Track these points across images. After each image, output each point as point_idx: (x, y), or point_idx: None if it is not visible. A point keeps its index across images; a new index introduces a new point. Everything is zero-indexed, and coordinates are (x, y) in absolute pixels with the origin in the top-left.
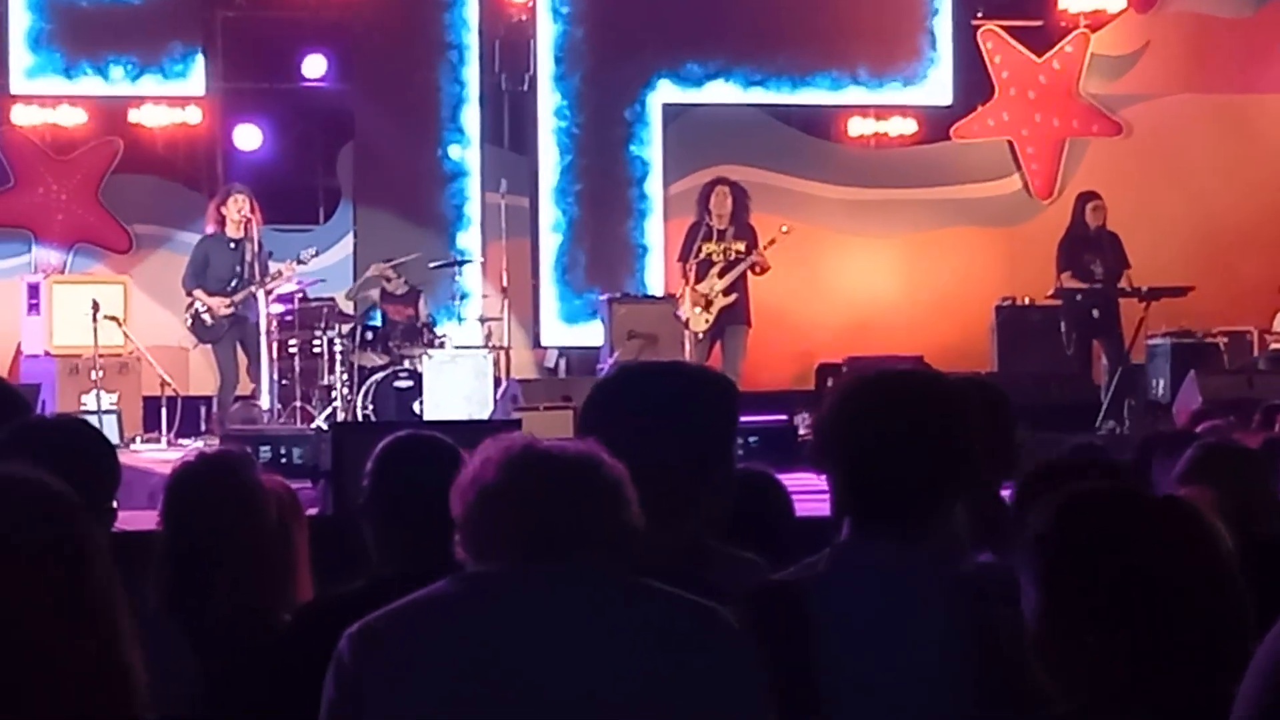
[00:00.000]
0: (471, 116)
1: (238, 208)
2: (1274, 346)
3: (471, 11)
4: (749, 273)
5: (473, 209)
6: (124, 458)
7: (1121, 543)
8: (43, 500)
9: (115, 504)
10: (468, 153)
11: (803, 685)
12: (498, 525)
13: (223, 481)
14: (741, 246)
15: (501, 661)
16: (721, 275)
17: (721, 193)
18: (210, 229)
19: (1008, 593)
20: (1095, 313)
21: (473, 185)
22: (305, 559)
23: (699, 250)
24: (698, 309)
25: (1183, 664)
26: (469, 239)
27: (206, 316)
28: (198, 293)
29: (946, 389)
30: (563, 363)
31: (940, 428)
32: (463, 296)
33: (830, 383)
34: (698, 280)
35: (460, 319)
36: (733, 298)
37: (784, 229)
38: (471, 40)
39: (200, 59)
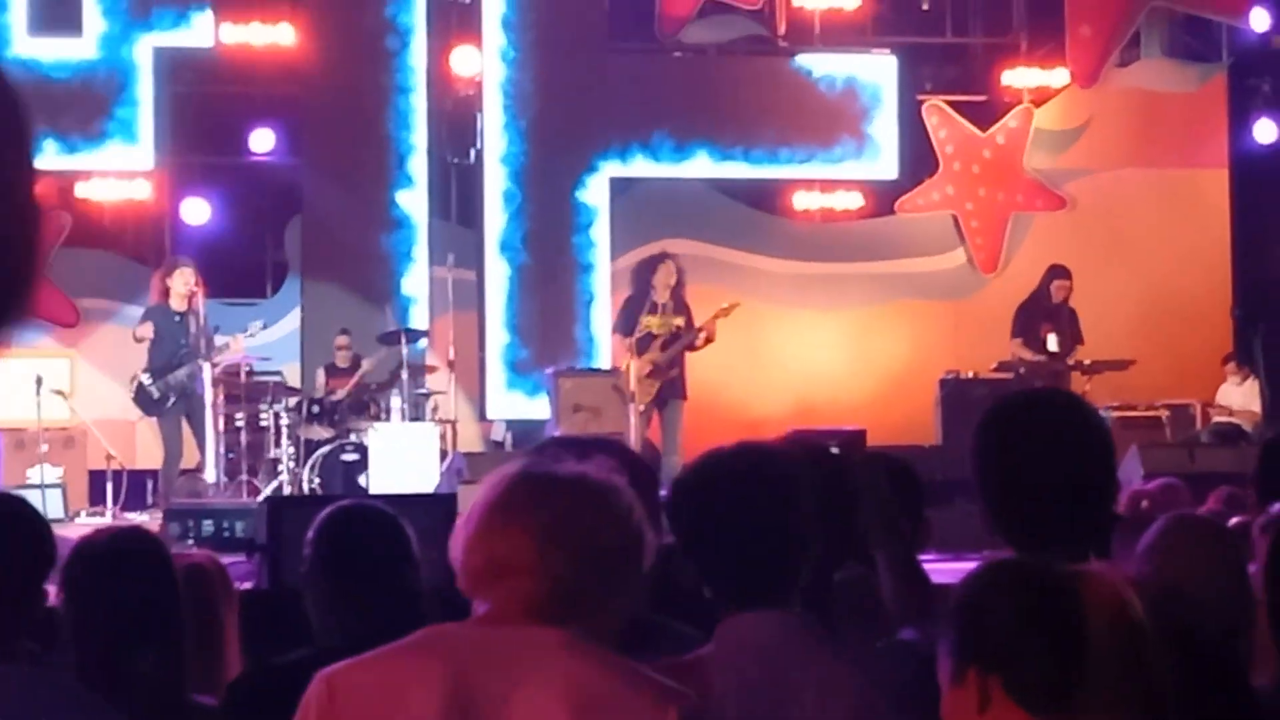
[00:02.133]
0: (418, 191)
1: (183, 280)
2: (1216, 419)
3: (419, 86)
4: (687, 347)
5: (419, 283)
6: (68, 531)
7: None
8: None
9: (46, 586)
10: (415, 228)
11: None
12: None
13: (125, 557)
14: (680, 321)
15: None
16: (664, 349)
17: (668, 268)
18: (154, 300)
19: (912, 665)
20: (1040, 385)
21: (419, 258)
22: (234, 634)
23: (639, 324)
24: (642, 383)
25: None
26: (417, 312)
27: (152, 389)
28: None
29: (775, 462)
30: (509, 436)
31: (768, 505)
32: (409, 370)
33: None
34: (639, 354)
35: (406, 392)
36: (674, 372)
37: (726, 305)
38: (418, 115)
39: (148, 133)
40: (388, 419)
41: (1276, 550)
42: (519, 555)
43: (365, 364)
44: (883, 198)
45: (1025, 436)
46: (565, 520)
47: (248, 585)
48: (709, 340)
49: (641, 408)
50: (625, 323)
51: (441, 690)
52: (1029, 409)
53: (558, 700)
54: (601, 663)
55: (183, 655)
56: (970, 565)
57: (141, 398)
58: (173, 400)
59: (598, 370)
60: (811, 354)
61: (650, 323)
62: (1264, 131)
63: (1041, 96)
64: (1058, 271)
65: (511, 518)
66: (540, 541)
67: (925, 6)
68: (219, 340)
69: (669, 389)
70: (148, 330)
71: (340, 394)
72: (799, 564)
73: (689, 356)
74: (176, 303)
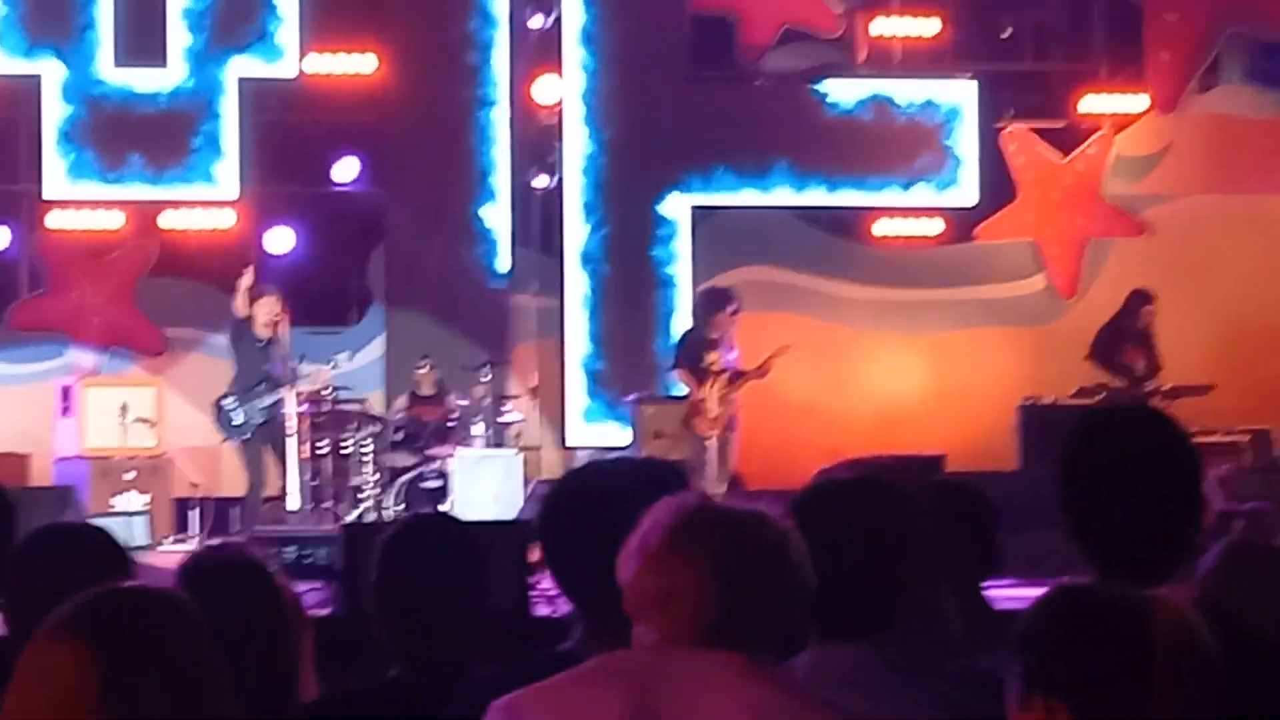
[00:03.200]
0: (501, 207)
1: (267, 309)
2: None
3: (501, 114)
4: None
5: (502, 312)
6: (153, 559)
7: (1101, 633)
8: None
9: None
10: (498, 256)
11: None
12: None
13: (236, 575)
14: (734, 355)
15: None
16: (731, 383)
17: (721, 312)
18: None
19: (983, 693)
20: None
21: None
22: (309, 662)
23: (700, 356)
24: (713, 414)
25: None
26: (500, 340)
27: (233, 414)
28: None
29: (888, 492)
30: None
31: (883, 530)
32: (494, 398)
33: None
34: (700, 385)
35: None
36: (732, 407)
37: (781, 346)
38: (500, 136)
39: (233, 163)
40: (470, 446)
41: None
42: (693, 583)
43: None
44: (962, 224)
45: (1112, 453)
46: (741, 554)
47: (326, 611)
48: (763, 376)
49: (712, 438)
50: (690, 356)
51: (622, 715)
52: (1117, 426)
53: (739, 716)
54: (775, 683)
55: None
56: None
57: (222, 420)
58: (255, 426)
59: (677, 398)
60: (892, 379)
61: (712, 358)
62: None
63: (1121, 123)
64: (1142, 296)
65: (690, 547)
66: (716, 573)
67: (1005, 34)
68: (304, 369)
69: (729, 423)
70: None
71: (425, 421)
72: (897, 596)
73: (769, 380)
74: (260, 330)
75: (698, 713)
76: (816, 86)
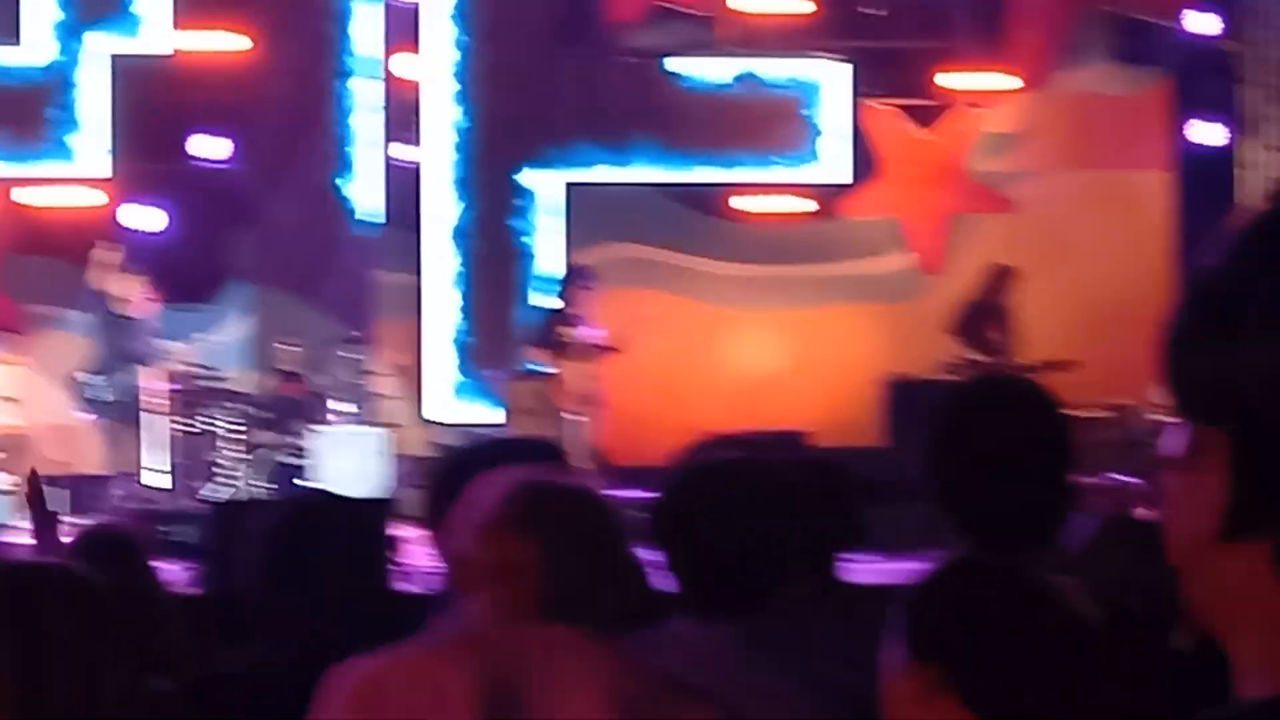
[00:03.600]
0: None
1: (129, 287)
2: (1153, 418)
3: (363, 86)
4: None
5: (369, 288)
6: (16, 538)
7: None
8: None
9: None
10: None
11: None
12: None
13: (116, 558)
14: (591, 331)
15: None
16: (587, 357)
17: (578, 289)
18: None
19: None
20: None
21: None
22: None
23: (557, 333)
24: (576, 389)
25: None
26: (367, 317)
27: (97, 391)
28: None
29: (771, 474)
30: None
31: (769, 509)
32: (360, 375)
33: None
34: (557, 361)
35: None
36: (597, 380)
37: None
38: (362, 115)
39: (104, 141)
40: (336, 423)
41: None
42: (529, 558)
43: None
44: (827, 200)
45: (986, 424)
46: (576, 529)
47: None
48: (618, 350)
49: (578, 413)
50: (545, 334)
51: (481, 688)
52: (991, 397)
53: (599, 694)
54: (618, 658)
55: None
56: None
57: (79, 395)
58: (114, 402)
59: (544, 374)
60: (756, 355)
61: (568, 334)
62: (1204, 134)
63: (985, 100)
64: (1003, 272)
65: (523, 522)
66: (550, 545)
67: (868, 10)
68: (168, 346)
69: (591, 398)
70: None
71: (290, 398)
72: (778, 577)
73: (633, 356)
74: (122, 306)
75: (558, 684)
76: (669, 67)
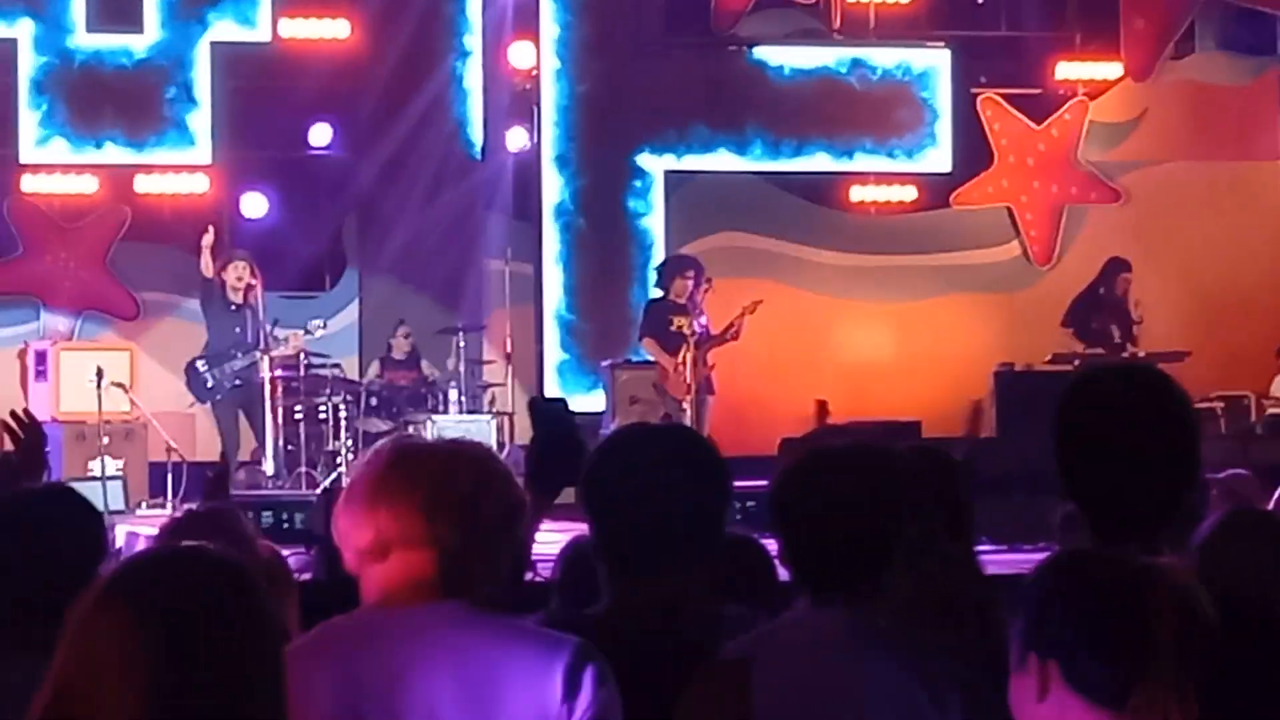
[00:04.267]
0: (473, 183)
1: (237, 274)
2: (1271, 412)
3: (474, 80)
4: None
5: (478, 276)
6: (129, 523)
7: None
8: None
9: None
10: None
11: None
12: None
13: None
14: (704, 320)
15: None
16: (699, 346)
17: (685, 279)
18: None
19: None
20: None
21: (478, 249)
22: (295, 625)
23: (671, 323)
24: (684, 379)
25: None
26: (475, 306)
27: (206, 376)
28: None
29: (882, 460)
30: None
31: (876, 497)
32: (467, 363)
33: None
34: (672, 352)
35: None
36: (707, 369)
37: (750, 303)
38: (475, 108)
39: (206, 128)
40: (446, 411)
41: None
42: (406, 530)
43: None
44: (938, 190)
45: (1111, 413)
46: (446, 491)
47: (306, 576)
48: (736, 338)
49: (686, 402)
50: (656, 323)
51: (332, 692)
52: (1115, 385)
53: (446, 676)
54: (491, 629)
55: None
56: (1025, 557)
57: (195, 384)
58: (227, 389)
59: (652, 363)
60: (866, 345)
61: (681, 323)
62: None
63: (1096, 90)
64: (1119, 264)
65: (394, 493)
66: (425, 514)
67: (980, 1)
68: (279, 334)
69: (704, 386)
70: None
71: (399, 386)
72: (887, 562)
73: (743, 346)
74: (232, 294)
75: (406, 673)
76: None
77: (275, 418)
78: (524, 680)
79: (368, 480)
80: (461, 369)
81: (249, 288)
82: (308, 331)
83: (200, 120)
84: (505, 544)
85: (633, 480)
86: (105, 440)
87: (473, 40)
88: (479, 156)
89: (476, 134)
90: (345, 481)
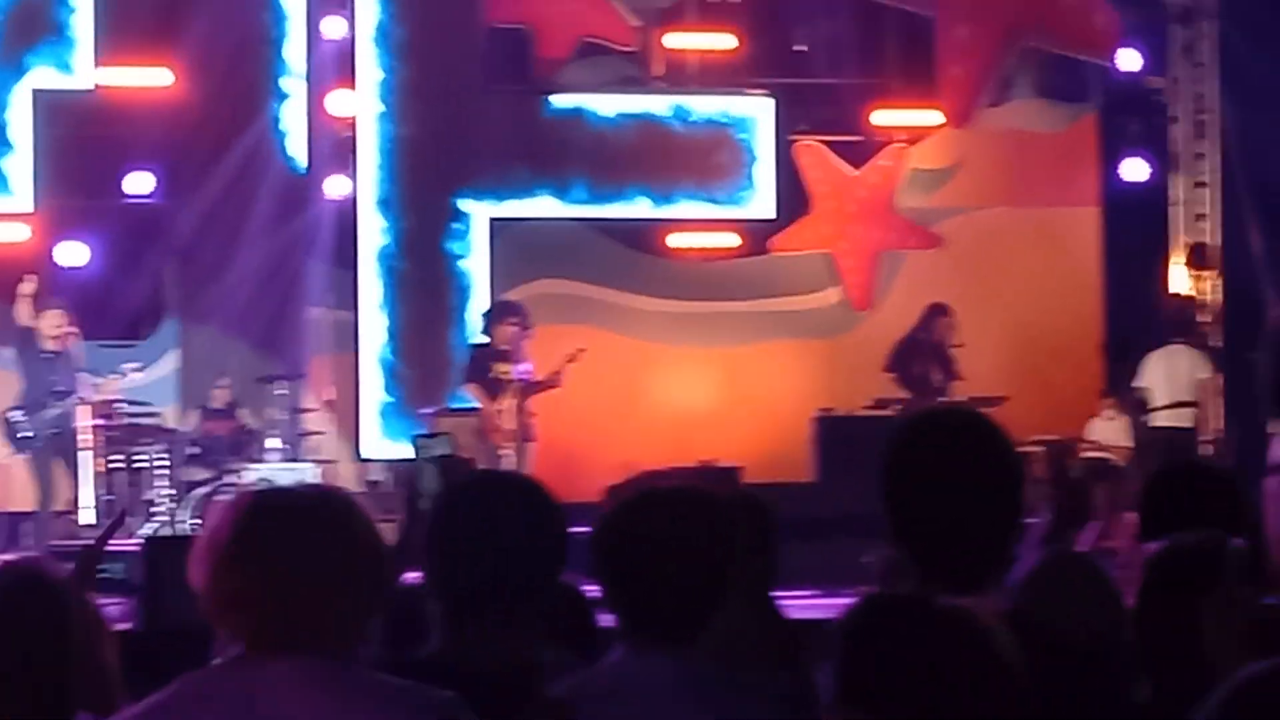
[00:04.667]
0: (293, 230)
1: (54, 323)
2: (1087, 455)
3: (295, 126)
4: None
5: (298, 324)
6: None
7: (905, 643)
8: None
9: None
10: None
11: None
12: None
13: (27, 593)
14: (526, 366)
15: None
16: (523, 393)
17: (508, 325)
18: (19, 334)
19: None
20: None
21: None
22: (117, 676)
23: (492, 369)
24: (504, 426)
25: None
26: (296, 353)
27: (22, 425)
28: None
29: (705, 505)
30: (390, 476)
31: (700, 541)
32: (289, 410)
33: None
34: (493, 397)
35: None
36: (527, 416)
37: (573, 351)
38: (296, 155)
39: (29, 175)
40: (264, 460)
41: (1146, 589)
42: (262, 585)
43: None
44: (757, 236)
45: (938, 456)
46: (306, 546)
47: (125, 626)
48: (557, 385)
49: (506, 450)
50: (479, 369)
51: None
52: (943, 429)
53: None
54: (358, 686)
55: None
56: (841, 601)
57: (10, 434)
58: (43, 438)
59: (473, 409)
60: (687, 391)
61: (503, 369)
62: (1133, 170)
63: (915, 136)
64: (939, 309)
65: (252, 548)
66: (288, 565)
67: (798, 47)
68: (95, 380)
69: (525, 432)
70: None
71: (218, 435)
72: (712, 608)
73: (564, 392)
74: (47, 342)
75: None
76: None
77: (93, 466)
78: None
79: (229, 530)
80: (282, 417)
81: (65, 335)
82: (122, 375)
83: (19, 168)
84: (373, 594)
85: (474, 525)
86: None
87: (292, 84)
88: (299, 203)
89: (297, 181)
90: (196, 530)
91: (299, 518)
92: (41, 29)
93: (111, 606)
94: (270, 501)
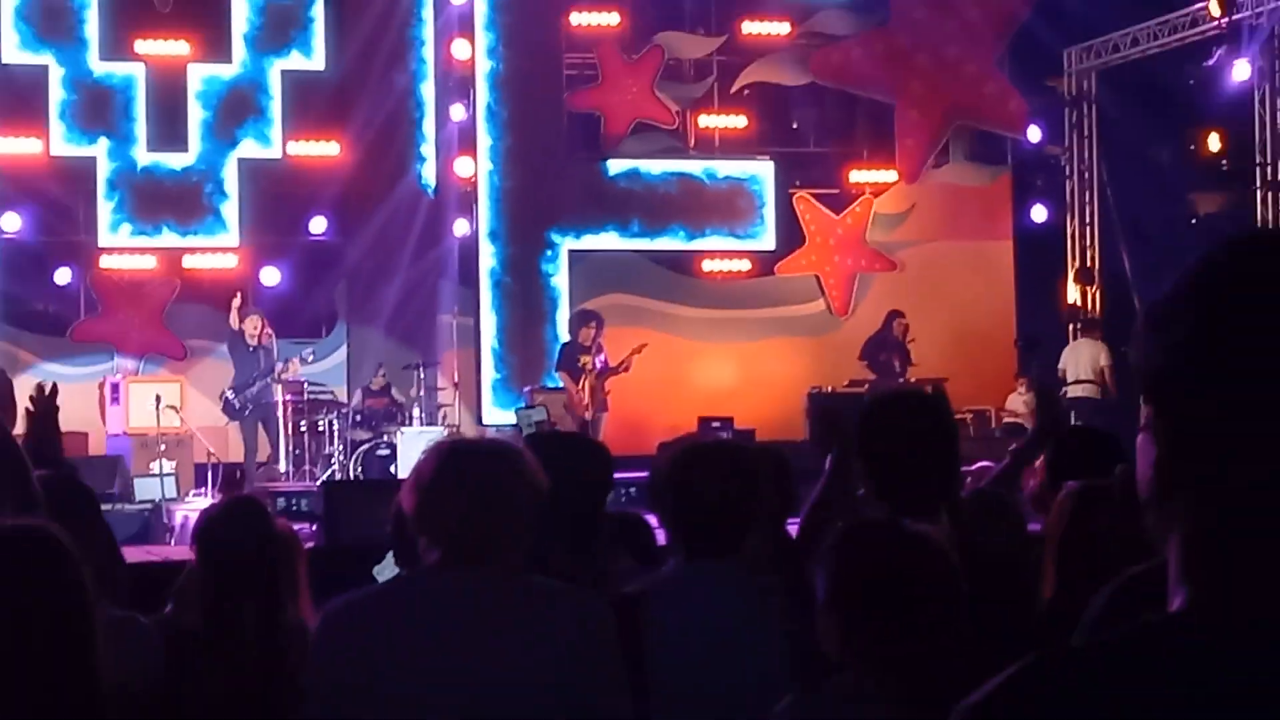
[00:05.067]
0: (430, 259)
1: (253, 324)
2: (1006, 420)
3: (431, 181)
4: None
5: (434, 326)
6: (180, 508)
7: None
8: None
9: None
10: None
11: (635, 671)
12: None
13: (250, 515)
14: (603, 357)
15: (432, 644)
16: (600, 377)
17: (588, 327)
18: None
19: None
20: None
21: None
22: (305, 582)
23: (578, 360)
24: (586, 400)
25: (916, 641)
26: (431, 348)
27: (234, 401)
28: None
29: (742, 454)
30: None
31: (740, 480)
32: (427, 389)
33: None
34: (577, 380)
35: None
36: (604, 393)
37: (638, 346)
38: (431, 202)
39: (235, 220)
40: (410, 425)
41: (1064, 513)
42: (456, 509)
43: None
44: (765, 262)
45: (901, 423)
46: (489, 479)
47: (311, 544)
48: (626, 370)
49: (588, 417)
50: (567, 361)
51: (426, 626)
52: (903, 404)
53: (487, 626)
54: (524, 588)
55: (284, 595)
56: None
57: (226, 407)
58: (249, 410)
59: (562, 389)
60: (715, 375)
61: (585, 360)
62: (1038, 214)
63: (879, 189)
64: (897, 314)
65: (450, 479)
66: (472, 497)
67: (794, 125)
68: (286, 369)
69: (600, 405)
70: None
71: (376, 408)
72: (745, 530)
73: (623, 379)
74: (250, 340)
75: (451, 623)
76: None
77: (286, 430)
78: (546, 620)
79: (433, 466)
80: (422, 394)
81: (264, 334)
82: (302, 359)
83: (231, 213)
84: (535, 518)
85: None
86: (162, 447)
87: (428, 151)
88: (434, 238)
89: (432, 222)
90: (402, 471)
91: (483, 458)
92: (247, 112)
93: (301, 530)
94: (463, 446)
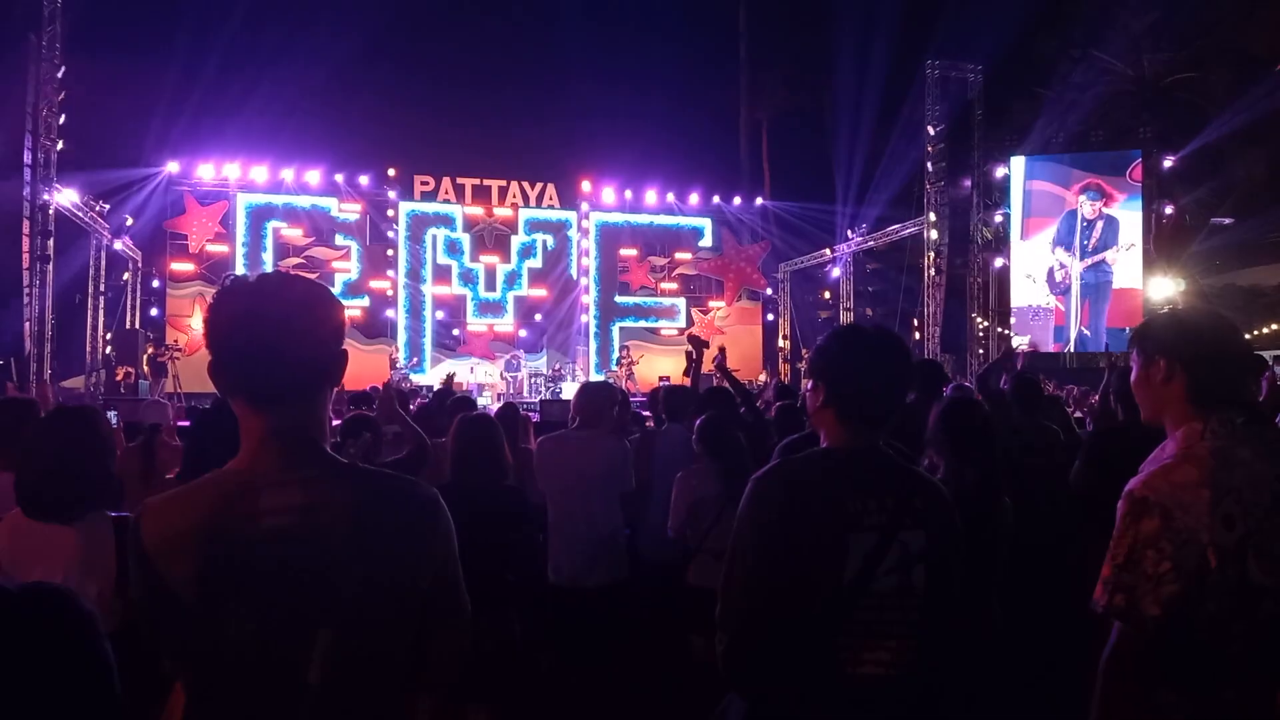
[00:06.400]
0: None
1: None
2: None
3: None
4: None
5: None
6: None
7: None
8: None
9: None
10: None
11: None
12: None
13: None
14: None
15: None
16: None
17: (627, 352)
18: None
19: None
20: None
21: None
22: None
23: (618, 363)
24: (624, 378)
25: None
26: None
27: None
28: None
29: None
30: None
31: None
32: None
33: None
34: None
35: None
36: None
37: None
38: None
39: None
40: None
41: (948, 413)
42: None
43: None
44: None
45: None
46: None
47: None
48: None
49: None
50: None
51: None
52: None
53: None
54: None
55: None
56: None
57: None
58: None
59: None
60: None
61: (623, 358)
62: (770, 318)
63: (710, 311)
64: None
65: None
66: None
67: (692, 288)
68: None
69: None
70: None
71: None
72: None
73: (639, 367)
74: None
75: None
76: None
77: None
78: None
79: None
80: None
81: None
82: (515, 368)
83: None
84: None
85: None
86: None
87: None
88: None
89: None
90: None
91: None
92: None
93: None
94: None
